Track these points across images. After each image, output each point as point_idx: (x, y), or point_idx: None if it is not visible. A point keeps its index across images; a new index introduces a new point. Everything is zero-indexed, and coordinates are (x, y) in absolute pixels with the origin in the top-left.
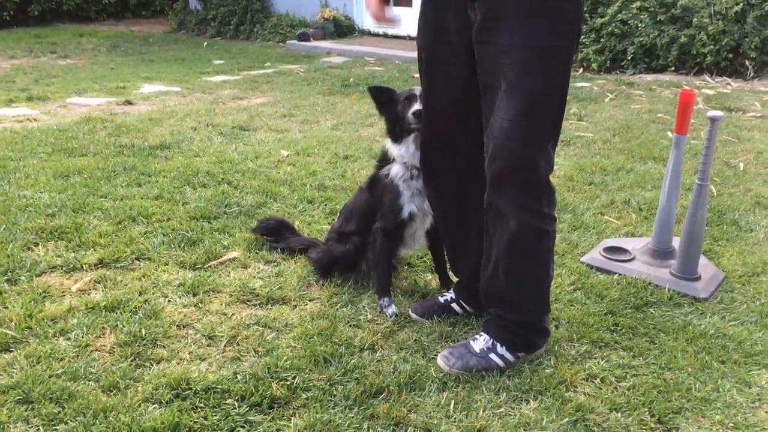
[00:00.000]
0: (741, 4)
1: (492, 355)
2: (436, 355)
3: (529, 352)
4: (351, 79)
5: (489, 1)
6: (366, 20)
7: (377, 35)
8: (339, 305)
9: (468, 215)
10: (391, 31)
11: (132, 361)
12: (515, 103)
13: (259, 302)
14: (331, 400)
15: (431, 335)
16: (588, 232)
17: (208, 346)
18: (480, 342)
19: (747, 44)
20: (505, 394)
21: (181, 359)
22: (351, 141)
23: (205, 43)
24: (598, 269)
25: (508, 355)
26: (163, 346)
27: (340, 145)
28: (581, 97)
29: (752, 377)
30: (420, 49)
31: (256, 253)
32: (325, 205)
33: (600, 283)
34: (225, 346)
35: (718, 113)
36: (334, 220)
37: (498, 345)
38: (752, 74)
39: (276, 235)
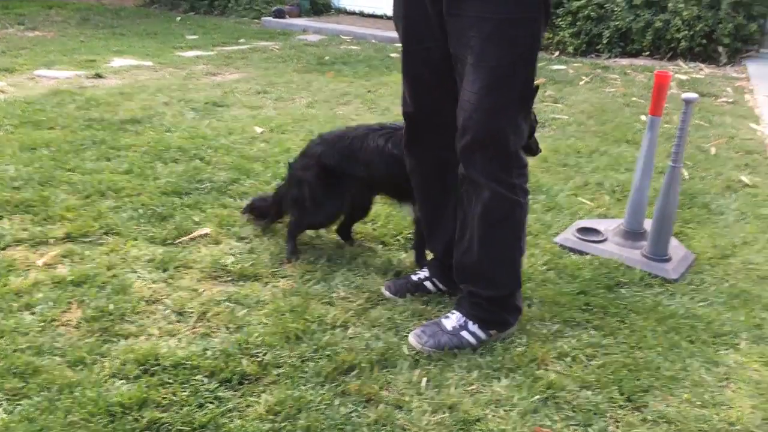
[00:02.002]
0: None
1: (464, 333)
2: (409, 333)
3: (501, 330)
4: (327, 57)
5: None
6: None
7: (354, 14)
8: (312, 282)
9: (447, 185)
10: (367, 10)
11: (99, 336)
12: (482, 75)
13: (230, 279)
14: (302, 377)
15: (404, 313)
16: (562, 213)
17: (178, 322)
18: (452, 320)
19: (721, 30)
20: (476, 371)
21: (149, 335)
22: (326, 119)
23: (179, 18)
24: (571, 250)
25: (480, 333)
26: (132, 322)
27: (314, 123)
28: (557, 80)
29: (720, 357)
30: (396, 22)
31: (228, 229)
32: None
33: (573, 263)
34: (195, 322)
35: (693, 95)
36: None
37: (470, 322)
38: (725, 60)
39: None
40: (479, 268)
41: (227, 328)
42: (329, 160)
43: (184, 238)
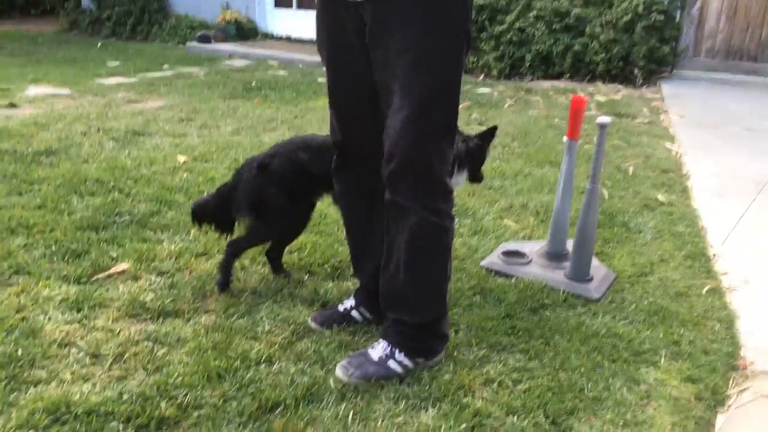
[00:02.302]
0: (630, 15)
1: (391, 362)
2: (335, 366)
3: (428, 358)
4: (253, 83)
5: (379, 3)
6: (269, 23)
7: (281, 39)
8: (236, 317)
9: (375, 212)
10: (295, 35)
11: (6, 384)
12: (407, 104)
13: (149, 316)
14: (224, 418)
15: (330, 345)
16: (487, 236)
17: (93, 365)
18: (378, 349)
19: (636, 53)
20: (404, 402)
21: (61, 380)
22: (252, 146)
23: (99, 44)
24: (497, 273)
25: (407, 362)
26: (42, 367)
27: (240, 151)
28: (482, 103)
29: (641, 375)
30: (320, 50)
31: (148, 264)
32: None
33: (498, 286)
34: (111, 364)
35: (606, 119)
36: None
37: (396, 351)
38: (641, 81)
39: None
40: (405, 294)
41: (145, 370)
42: (316, 169)
43: (101, 275)
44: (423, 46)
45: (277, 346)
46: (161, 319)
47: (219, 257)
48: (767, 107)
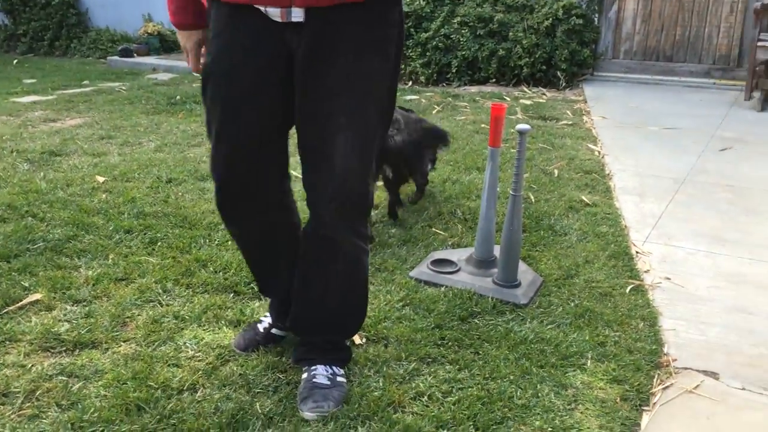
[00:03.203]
0: (550, 19)
1: (339, 379)
2: (263, 389)
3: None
4: (178, 97)
5: (319, 28)
6: None
7: None
8: (157, 343)
9: (278, 244)
10: None
11: None
12: (354, 138)
13: (64, 348)
14: None
15: (257, 367)
16: (417, 246)
17: (2, 404)
18: (322, 374)
19: (558, 56)
20: (332, 423)
21: None
22: (175, 163)
23: (15, 61)
24: (426, 283)
25: (344, 372)
26: None
27: (163, 168)
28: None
29: (568, 379)
30: (215, 77)
31: (63, 292)
32: (145, 234)
33: (428, 297)
34: (22, 402)
35: (526, 126)
36: (154, 250)
37: (336, 368)
38: (564, 84)
39: None
40: (337, 318)
41: (59, 406)
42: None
43: (12, 307)
44: (367, 71)
45: (200, 372)
46: (77, 351)
47: (140, 282)
48: (683, 106)
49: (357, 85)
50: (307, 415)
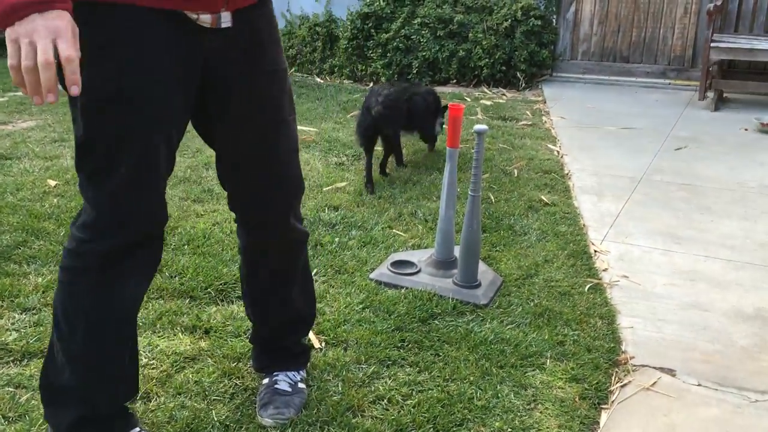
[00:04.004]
0: (509, 20)
1: (300, 385)
2: (219, 396)
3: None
4: None
5: (241, 30)
6: None
7: None
8: None
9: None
10: None
11: None
12: (289, 132)
13: (12, 358)
14: None
15: (213, 374)
16: (377, 248)
17: None
18: (284, 381)
19: (517, 57)
20: (291, 429)
21: None
22: None
23: None
24: (387, 284)
25: (304, 377)
26: None
27: None
28: None
29: (527, 379)
30: (121, 100)
31: (11, 300)
32: None
33: (388, 299)
34: None
35: (483, 127)
36: None
37: (297, 373)
38: (523, 85)
39: None
40: (304, 314)
41: (5, 418)
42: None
43: None
44: (284, 64)
45: (154, 380)
46: (25, 361)
47: None
48: (640, 106)
49: (281, 78)
50: (266, 421)
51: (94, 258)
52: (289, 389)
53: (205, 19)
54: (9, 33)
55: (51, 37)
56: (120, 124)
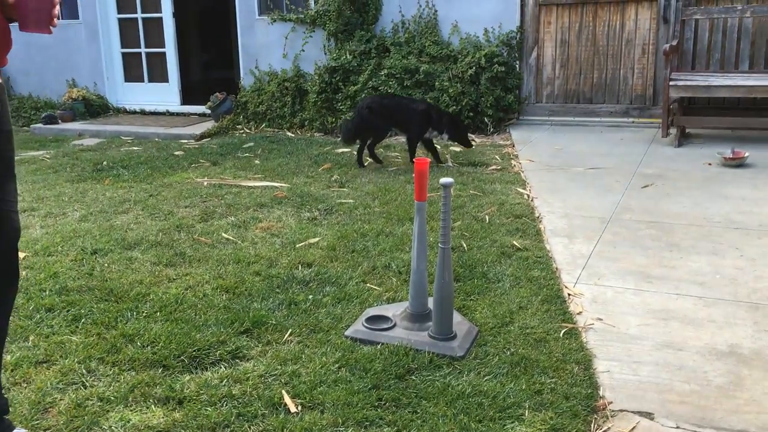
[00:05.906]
0: (474, 68)
1: None
2: None
3: None
4: (104, 162)
5: None
6: (120, 97)
7: (134, 113)
8: (80, 430)
9: None
10: (149, 108)
11: None
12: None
13: None
14: None
15: None
16: (352, 303)
17: None
18: None
19: (484, 103)
20: None
21: None
22: (101, 232)
23: None
24: (362, 341)
25: None
26: None
27: (88, 239)
28: (342, 163)
29: None
30: None
31: None
32: (68, 311)
33: (364, 356)
34: None
35: (449, 180)
36: (77, 327)
37: None
38: (492, 129)
39: None
40: None
41: None
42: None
43: None
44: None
45: None
46: None
47: (62, 363)
48: (606, 145)
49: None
50: None
51: None
52: None
53: None
54: None
55: None
56: None
